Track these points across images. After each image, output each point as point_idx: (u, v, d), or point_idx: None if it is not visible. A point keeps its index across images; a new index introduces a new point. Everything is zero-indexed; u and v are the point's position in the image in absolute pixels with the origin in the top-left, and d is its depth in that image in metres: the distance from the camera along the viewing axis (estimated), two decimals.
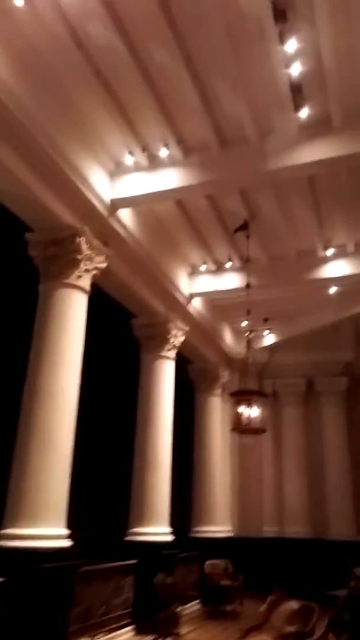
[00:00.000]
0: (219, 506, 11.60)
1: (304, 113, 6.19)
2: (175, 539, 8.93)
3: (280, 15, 5.12)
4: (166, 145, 6.87)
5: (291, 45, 5.36)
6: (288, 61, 5.55)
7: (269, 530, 12.14)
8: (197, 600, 9.68)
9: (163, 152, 6.93)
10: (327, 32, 5.23)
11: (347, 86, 5.86)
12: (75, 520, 6.33)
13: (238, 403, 8.41)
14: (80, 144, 6.47)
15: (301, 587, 10.29)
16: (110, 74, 5.98)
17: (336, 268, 9.09)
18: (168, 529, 8.89)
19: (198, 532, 11.16)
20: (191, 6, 5.21)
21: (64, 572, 5.80)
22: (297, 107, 6.13)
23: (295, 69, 5.62)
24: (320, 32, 5.26)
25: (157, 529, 8.70)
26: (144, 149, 7.00)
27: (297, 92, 5.96)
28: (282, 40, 5.33)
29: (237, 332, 12.27)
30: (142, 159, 7.07)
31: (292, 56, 5.48)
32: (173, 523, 9.07)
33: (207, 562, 10.11)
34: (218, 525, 11.41)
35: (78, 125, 6.44)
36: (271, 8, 5.04)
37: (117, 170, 7.20)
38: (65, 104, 6.17)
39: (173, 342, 9.68)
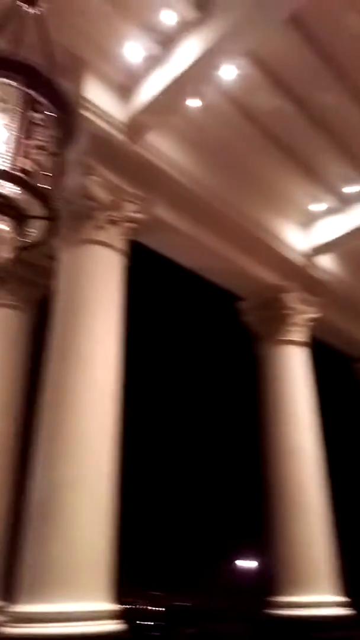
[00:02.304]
0: None
1: None
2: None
3: None
4: (351, 182, 6.74)
5: None
6: None
7: None
8: None
9: (348, 189, 6.81)
10: None
11: None
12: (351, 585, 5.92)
13: None
14: (267, 208, 6.71)
15: None
16: (282, 132, 6.15)
17: None
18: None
19: None
20: (344, 42, 5.19)
21: None
22: None
23: None
24: None
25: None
26: (330, 192, 6.96)
27: None
28: None
29: None
30: (330, 202, 7.01)
31: None
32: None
33: None
34: None
35: (262, 190, 6.69)
36: None
37: (308, 220, 7.25)
38: (246, 175, 6.48)
39: None
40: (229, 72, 5.17)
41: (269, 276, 6.80)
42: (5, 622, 3.96)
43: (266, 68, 5.42)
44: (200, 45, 4.55)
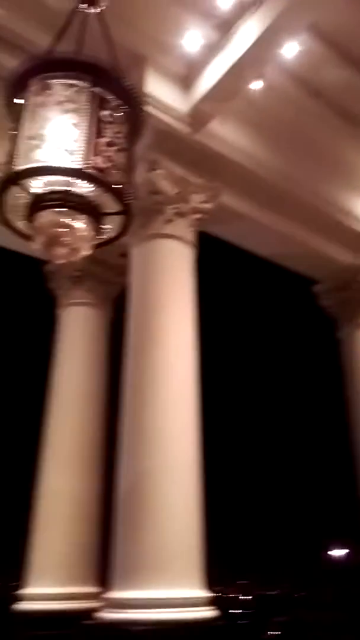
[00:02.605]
0: None
1: None
2: None
3: None
4: None
5: None
6: None
7: None
8: None
9: None
10: None
11: None
12: None
13: None
14: (340, 185, 6.47)
15: None
16: (351, 106, 5.88)
17: None
18: None
19: None
20: None
21: None
22: None
23: None
24: None
25: None
26: None
27: None
28: None
29: None
30: None
31: None
32: None
33: None
34: None
35: (333, 168, 6.47)
36: None
37: None
38: (315, 153, 6.26)
39: None
40: (290, 49, 5.03)
41: (345, 257, 6.59)
42: (102, 607, 4.13)
43: (329, 41, 5.21)
44: (259, 26, 4.44)
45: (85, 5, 2.97)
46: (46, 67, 2.50)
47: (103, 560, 5.04)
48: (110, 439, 5.33)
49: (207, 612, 4.03)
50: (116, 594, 4.05)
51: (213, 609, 4.10)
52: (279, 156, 5.81)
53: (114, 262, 6.28)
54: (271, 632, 9.09)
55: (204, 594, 4.13)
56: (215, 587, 4.36)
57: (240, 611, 11.75)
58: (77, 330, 6.34)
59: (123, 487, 4.39)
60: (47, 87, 2.42)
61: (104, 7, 3.02)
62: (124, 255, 5.41)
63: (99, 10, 2.99)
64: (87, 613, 4.36)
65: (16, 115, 2.50)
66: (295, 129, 6.04)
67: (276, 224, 6.06)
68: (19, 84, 2.51)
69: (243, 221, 5.98)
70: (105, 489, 5.63)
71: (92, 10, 2.97)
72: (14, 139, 2.43)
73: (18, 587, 5.67)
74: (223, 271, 7.85)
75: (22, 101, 2.48)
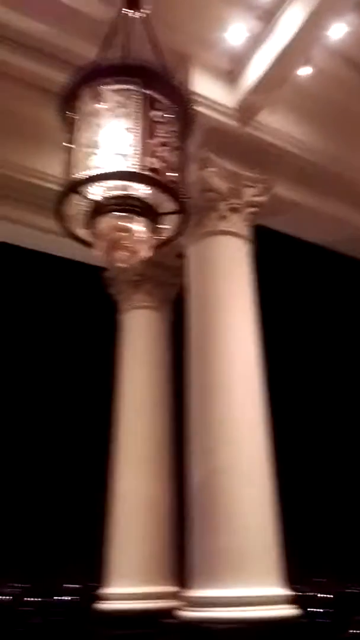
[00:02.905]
0: None
1: None
2: None
3: None
4: None
5: None
6: None
7: None
8: None
9: None
10: None
11: None
12: None
13: None
14: None
15: None
16: None
17: None
18: None
19: None
20: None
21: None
22: None
23: None
24: None
25: None
26: None
27: None
28: None
29: None
30: None
31: None
32: None
33: None
34: None
35: None
36: None
37: None
38: None
39: None
40: (337, 31, 4.86)
41: None
42: (181, 606, 4.17)
43: None
44: (303, 10, 4.33)
45: (130, 11, 2.99)
46: (95, 74, 2.55)
47: (180, 559, 5.08)
48: (179, 439, 5.37)
49: (289, 611, 3.97)
50: (195, 593, 4.07)
51: (294, 607, 4.03)
52: (331, 141, 5.66)
53: (170, 263, 6.31)
54: (353, 631, 8.86)
55: (284, 592, 4.07)
56: (292, 585, 4.30)
57: (320, 610, 11.54)
58: (139, 333, 6.43)
59: (195, 486, 4.41)
60: (97, 95, 2.47)
61: (147, 12, 3.03)
62: (180, 255, 5.43)
63: (144, 15, 3.01)
64: (167, 612, 4.41)
65: (70, 126, 2.57)
66: (347, 111, 5.85)
67: (333, 210, 5.90)
68: (70, 95, 2.57)
69: (299, 210, 5.85)
70: (178, 488, 5.67)
71: (137, 15, 2.99)
72: (69, 149, 2.49)
73: (98, 587, 5.80)
74: (283, 263, 7.72)
75: (74, 114, 2.54)
